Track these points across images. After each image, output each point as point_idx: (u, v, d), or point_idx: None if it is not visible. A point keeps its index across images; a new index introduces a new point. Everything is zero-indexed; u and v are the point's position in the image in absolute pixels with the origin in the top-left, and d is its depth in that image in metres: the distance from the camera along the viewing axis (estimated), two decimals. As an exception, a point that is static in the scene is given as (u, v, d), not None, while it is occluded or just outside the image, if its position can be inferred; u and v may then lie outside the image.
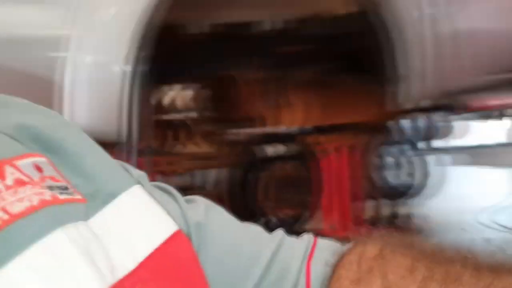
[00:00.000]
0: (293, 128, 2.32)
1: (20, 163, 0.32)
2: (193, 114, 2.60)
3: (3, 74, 1.29)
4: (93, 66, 1.36)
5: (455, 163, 3.59)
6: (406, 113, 2.23)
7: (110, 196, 0.35)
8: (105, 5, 1.42)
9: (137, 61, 1.39)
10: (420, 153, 3.63)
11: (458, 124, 3.55)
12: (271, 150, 1.97)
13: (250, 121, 2.41)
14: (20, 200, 0.30)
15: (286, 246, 0.41)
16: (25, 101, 0.40)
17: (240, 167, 2.20)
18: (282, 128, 2.28)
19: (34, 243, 0.29)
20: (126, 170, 0.40)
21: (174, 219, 0.37)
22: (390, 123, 2.43)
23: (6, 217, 0.28)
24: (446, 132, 3.70)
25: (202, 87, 2.37)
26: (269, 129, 2.23)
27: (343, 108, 2.18)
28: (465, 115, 2.85)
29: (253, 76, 2.07)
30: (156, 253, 0.34)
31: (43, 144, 0.36)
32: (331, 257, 0.39)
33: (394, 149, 4.06)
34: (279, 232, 0.43)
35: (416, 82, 1.84)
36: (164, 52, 1.57)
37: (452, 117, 2.49)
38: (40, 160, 0.33)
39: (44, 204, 0.30)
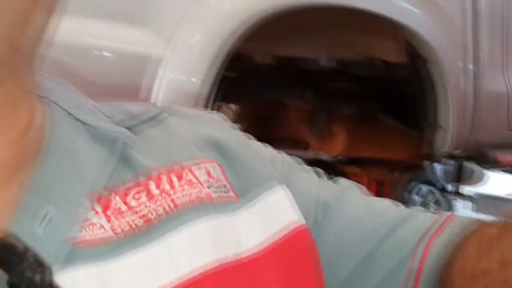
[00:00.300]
0: (333, 156, 2.51)
1: (195, 167, 0.40)
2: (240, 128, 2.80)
3: (99, 83, 1.53)
4: (175, 82, 1.59)
5: (480, 210, 3.68)
6: (439, 158, 2.39)
7: (251, 198, 0.40)
8: (192, 32, 1.64)
9: (211, 81, 1.61)
10: (448, 196, 3.74)
11: (488, 174, 3.64)
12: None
13: (293, 144, 2.60)
14: (184, 195, 0.38)
15: (411, 221, 0.42)
16: (202, 112, 0.49)
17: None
18: (322, 155, 2.47)
19: (180, 226, 0.36)
20: (274, 164, 0.44)
21: (306, 198, 0.42)
22: (423, 163, 2.59)
23: (172, 206, 0.37)
24: (475, 180, 3.81)
25: (253, 107, 2.58)
26: (310, 154, 2.41)
27: (380, 144, 2.36)
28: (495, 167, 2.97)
29: (302, 105, 2.26)
30: (275, 245, 0.39)
31: (219, 150, 0.42)
32: (456, 237, 0.39)
33: (423, 188, 4.18)
34: (408, 209, 0.44)
35: (452, 133, 1.99)
36: (231, 76, 1.80)
37: (483, 167, 2.62)
38: (211, 165, 0.41)
39: (198, 199, 0.38)
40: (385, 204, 0.44)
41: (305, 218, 0.41)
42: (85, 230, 0.34)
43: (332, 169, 2.22)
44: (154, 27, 1.58)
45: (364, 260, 0.40)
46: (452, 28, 1.93)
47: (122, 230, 0.35)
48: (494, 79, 2.02)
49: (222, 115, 0.48)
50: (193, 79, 1.57)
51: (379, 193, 2.93)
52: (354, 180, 1.71)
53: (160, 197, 0.37)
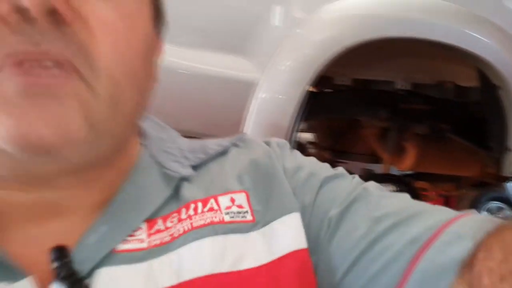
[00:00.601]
0: (403, 171, 2.66)
1: (221, 197, 0.47)
2: (314, 141, 3.00)
3: (206, 105, 1.82)
4: (267, 101, 1.85)
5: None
6: (507, 178, 2.47)
7: (266, 222, 0.46)
8: (284, 59, 1.89)
9: (297, 99, 1.85)
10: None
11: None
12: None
13: (366, 157, 2.78)
14: (201, 219, 0.45)
15: (420, 216, 0.44)
16: (259, 143, 0.54)
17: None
18: (393, 169, 2.63)
19: (191, 243, 0.43)
20: (307, 182, 0.49)
21: (321, 215, 0.47)
22: (495, 182, 2.67)
23: (190, 227, 0.44)
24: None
25: (331, 123, 2.77)
26: (382, 168, 2.58)
27: (448, 162, 2.47)
28: None
29: (377, 123, 2.43)
30: (271, 264, 0.43)
31: (253, 181, 0.49)
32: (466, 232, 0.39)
33: (492, 205, 4.20)
34: (418, 207, 0.46)
35: None
36: (314, 96, 2.02)
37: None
38: (238, 195, 0.48)
39: (211, 223, 0.45)
40: (389, 208, 0.46)
41: (312, 233, 0.46)
42: (129, 243, 0.43)
43: (402, 183, 2.38)
44: (253, 57, 1.84)
45: (354, 264, 0.44)
46: None
47: (155, 244, 0.43)
48: None
49: (281, 142, 0.55)
50: (280, 96, 1.82)
51: (451, 207, 3.01)
52: (423, 195, 1.93)
53: (185, 221, 0.45)
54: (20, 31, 0.35)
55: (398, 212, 0.44)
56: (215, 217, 0.45)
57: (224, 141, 0.53)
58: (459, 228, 0.40)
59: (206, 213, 0.46)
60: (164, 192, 0.46)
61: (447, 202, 3.91)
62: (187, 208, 0.46)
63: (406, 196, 0.49)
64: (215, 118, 1.86)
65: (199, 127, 1.91)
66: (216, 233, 0.44)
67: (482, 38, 1.96)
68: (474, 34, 1.96)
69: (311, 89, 1.90)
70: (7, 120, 0.35)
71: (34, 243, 0.41)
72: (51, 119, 0.35)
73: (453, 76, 2.34)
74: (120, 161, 0.46)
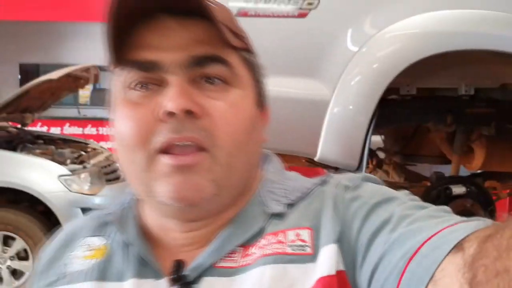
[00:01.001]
0: (472, 171, 2.78)
1: (290, 231, 0.58)
2: (383, 147, 3.16)
3: (283, 125, 2.05)
4: (343, 115, 2.06)
5: None
6: None
7: (314, 254, 0.56)
8: (353, 75, 2.09)
9: (367, 110, 2.05)
10: None
11: None
12: (454, 189, 2.41)
13: (436, 159, 2.91)
14: (270, 249, 0.57)
15: (420, 230, 0.49)
16: (336, 180, 0.63)
17: (425, 199, 2.68)
18: (464, 171, 2.75)
19: (259, 267, 0.56)
20: (369, 217, 0.56)
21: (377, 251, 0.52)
22: None
23: (260, 255, 0.57)
24: None
25: (400, 130, 2.92)
26: (452, 169, 2.71)
27: None
28: None
29: (444, 129, 2.57)
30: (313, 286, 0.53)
31: (322, 220, 0.58)
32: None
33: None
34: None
35: None
36: (383, 106, 2.21)
37: None
38: (304, 230, 0.58)
39: (275, 253, 0.56)
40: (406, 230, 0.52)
41: (352, 257, 0.55)
42: (226, 261, 0.58)
43: (472, 183, 2.50)
44: (325, 78, 2.07)
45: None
46: None
47: (241, 264, 0.57)
48: None
49: (354, 178, 0.63)
50: (351, 108, 2.03)
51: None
52: (494, 194, 2.10)
53: (260, 249, 0.58)
54: (169, 125, 0.56)
55: (409, 231, 0.51)
56: (280, 249, 0.57)
57: (316, 180, 0.64)
58: (438, 239, 0.47)
59: (275, 244, 0.57)
60: (258, 225, 0.60)
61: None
62: (266, 238, 0.58)
63: (434, 212, 0.54)
64: (291, 137, 2.09)
65: (278, 145, 2.15)
66: (277, 262, 0.55)
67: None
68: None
69: (379, 100, 2.08)
70: (166, 187, 0.56)
71: (170, 255, 0.61)
72: (190, 185, 0.56)
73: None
74: (238, 202, 0.62)
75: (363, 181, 0.62)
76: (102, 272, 0.61)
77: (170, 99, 0.55)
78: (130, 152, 0.58)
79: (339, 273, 0.53)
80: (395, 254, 0.49)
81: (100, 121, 7.56)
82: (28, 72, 9.44)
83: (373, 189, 0.60)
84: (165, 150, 0.56)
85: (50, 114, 5.95)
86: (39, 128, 5.82)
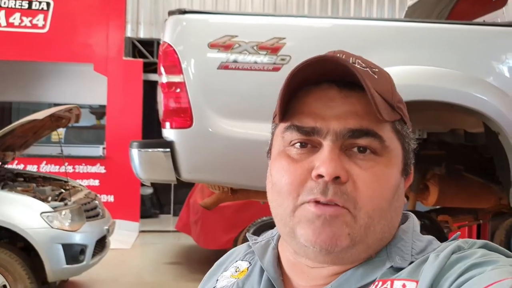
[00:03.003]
0: (427, 206, 3.06)
1: (397, 281, 0.61)
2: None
3: (259, 164, 2.30)
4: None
5: None
6: None
7: None
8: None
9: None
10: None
11: None
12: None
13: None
14: None
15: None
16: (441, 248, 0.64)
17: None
18: (420, 207, 3.03)
19: None
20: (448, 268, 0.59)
21: None
22: (507, 211, 3.03)
23: None
24: None
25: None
26: (409, 205, 3.00)
27: (466, 197, 2.86)
28: None
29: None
30: None
31: (428, 274, 0.59)
32: None
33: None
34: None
35: None
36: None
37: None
38: (410, 282, 0.60)
39: None
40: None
41: None
42: None
43: (426, 217, 2.77)
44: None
45: None
46: None
47: None
48: None
49: (472, 243, 0.63)
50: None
51: (480, 236, 3.31)
52: (445, 227, 2.39)
53: None
54: (318, 186, 0.62)
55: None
56: None
57: (433, 241, 0.68)
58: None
59: None
60: (376, 275, 0.64)
61: (480, 231, 4.26)
62: (375, 284, 0.62)
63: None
64: None
65: (257, 183, 2.38)
66: None
67: (483, 97, 2.39)
68: (477, 95, 2.40)
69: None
70: (307, 231, 0.63)
71: (296, 285, 0.70)
72: (330, 234, 0.62)
73: (462, 125, 2.78)
74: (368, 254, 0.66)
75: (481, 247, 0.63)
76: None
77: (323, 163, 0.62)
78: (281, 197, 0.66)
79: None
80: None
81: (77, 159, 7.70)
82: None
83: (482, 254, 0.60)
84: (311, 201, 0.63)
85: (27, 152, 6.07)
86: (15, 166, 5.92)
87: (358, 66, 0.66)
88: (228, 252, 0.85)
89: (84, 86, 8.85)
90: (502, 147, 2.46)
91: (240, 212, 5.28)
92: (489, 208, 2.96)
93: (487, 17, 2.99)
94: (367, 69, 0.66)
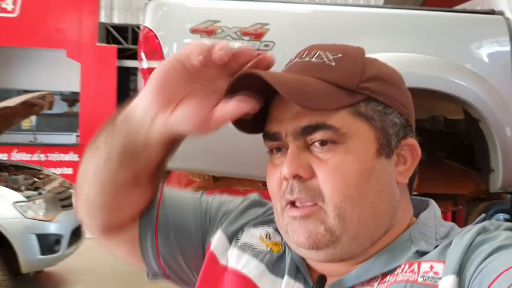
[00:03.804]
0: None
1: (424, 263, 0.61)
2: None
3: (239, 152, 2.27)
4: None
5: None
6: (497, 193, 2.89)
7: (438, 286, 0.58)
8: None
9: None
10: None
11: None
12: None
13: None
14: (402, 277, 0.61)
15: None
16: (467, 229, 0.64)
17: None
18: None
19: None
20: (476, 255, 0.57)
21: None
22: (485, 197, 3.08)
23: (393, 281, 0.61)
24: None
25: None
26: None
27: (445, 183, 2.89)
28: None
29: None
30: None
31: (454, 256, 0.59)
32: None
33: (500, 217, 4.69)
34: None
35: (501, 174, 2.42)
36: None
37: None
38: (438, 263, 0.60)
39: (407, 280, 0.60)
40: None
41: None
42: (365, 285, 0.64)
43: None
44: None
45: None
46: (496, 95, 2.44)
47: None
48: None
49: (498, 225, 0.63)
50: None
51: (455, 220, 3.39)
52: None
53: (395, 276, 0.62)
54: (288, 186, 0.64)
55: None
56: (412, 277, 0.60)
57: (454, 227, 0.68)
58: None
59: (407, 273, 0.61)
60: (402, 260, 0.64)
61: (455, 217, 4.35)
62: (401, 267, 0.62)
63: None
64: (248, 163, 2.29)
65: (237, 170, 2.35)
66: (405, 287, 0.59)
67: (464, 84, 2.41)
68: (458, 81, 2.41)
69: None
70: (294, 234, 0.65)
71: (316, 268, 0.70)
72: (306, 234, 0.63)
73: (443, 111, 2.80)
74: (380, 242, 0.66)
75: (506, 229, 0.62)
76: (273, 265, 0.72)
77: (284, 165, 0.64)
78: (273, 200, 0.69)
79: None
80: (483, 282, 0.54)
81: (50, 147, 7.53)
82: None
83: (507, 236, 0.60)
84: (291, 203, 0.65)
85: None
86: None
87: (314, 60, 0.66)
88: (261, 202, 0.83)
89: (55, 72, 8.63)
90: (483, 134, 2.48)
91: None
92: (468, 194, 2.99)
93: (467, 5, 3.00)
94: (324, 59, 0.66)
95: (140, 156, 0.68)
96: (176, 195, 0.83)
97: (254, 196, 0.85)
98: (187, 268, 0.80)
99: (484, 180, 2.64)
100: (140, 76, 2.34)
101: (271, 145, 0.69)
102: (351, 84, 0.65)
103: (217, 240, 0.77)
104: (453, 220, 4.30)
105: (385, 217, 0.66)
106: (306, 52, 0.68)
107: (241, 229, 0.79)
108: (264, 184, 2.78)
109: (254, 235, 0.77)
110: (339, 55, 0.67)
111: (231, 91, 0.64)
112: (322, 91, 0.63)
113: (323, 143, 0.64)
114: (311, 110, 0.63)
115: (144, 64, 2.27)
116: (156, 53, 2.22)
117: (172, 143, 0.69)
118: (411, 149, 0.70)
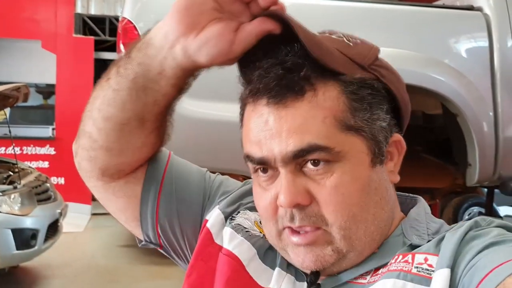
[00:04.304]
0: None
1: (418, 255, 0.61)
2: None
3: (221, 145, 2.25)
4: None
5: None
6: (473, 187, 2.94)
7: (432, 279, 0.58)
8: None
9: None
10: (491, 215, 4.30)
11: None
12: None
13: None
14: (396, 266, 0.61)
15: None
16: (457, 226, 0.64)
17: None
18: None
19: (383, 279, 0.60)
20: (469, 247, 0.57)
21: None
22: (461, 191, 3.14)
23: (385, 271, 0.61)
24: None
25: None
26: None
27: (423, 177, 2.94)
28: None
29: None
30: None
31: (447, 249, 0.59)
32: None
33: (474, 210, 4.78)
34: None
35: (478, 168, 2.49)
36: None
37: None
38: (431, 256, 0.60)
39: (399, 270, 0.60)
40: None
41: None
42: (358, 279, 0.64)
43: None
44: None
45: None
46: (474, 90, 2.50)
47: (370, 281, 0.63)
48: (509, 126, 2.54)
49: (488, 221, 0.63)
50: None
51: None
52: None
53: (387, 266, 0.62)
54: (286, 214, 0.62)
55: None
56: (406, 267, 0.60)
57: (442, 224, 0.69)
58: (504, 268, 0.52)
59: (402, 263, 0.61)
60: (395, 254, 0.64)
61: (431, 209, 4.43)
62: (395, 258, 0.62)
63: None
64: (230, 156, 2.28)
65: (217, 164, 2.33)
66: (399, 278, 0.59)
67: (442, 79, 2.45)
68: (436, 76, 2.45)
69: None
70: (297, 258, 0.64)
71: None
72: (313, 258, 0.63)
73: (421, 106, 2.83)
74: (374, 244, 0.65)
75: (498, 226, 0.62)
76: (264, 252, 0.71)
77: (282, 193, 0.61)
78: (263, 219, 0.67)
79: None
80: (474, 279, 0.54)
81: (25, 140, 7.39)
82: None
83: (499, 232, 0.60)
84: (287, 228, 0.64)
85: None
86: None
87: (333, 36, 0.66)
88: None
89: (30, 64, 8.45)
90: (460, 129, 2.53)
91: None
92: (445, 188, 3.04)
93: (446, 0, 3.03)
94: (343, 38, 0.66)
95: (151, 90, 0.65)
96: (183, 163, 0.82)
97: None
98: (181, 238, 0.79)
99: (461, 174, 2.70)
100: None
101: (256, 168, 0.65)
102: (365, 62, 0.64)
103: (214, 218, 0.76)
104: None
105: (387, 222, 0.66)
106: (328, 32, 0.68)
107: (237, 208, 0.78)
108: (246, 178, 2.79)
109: (249, 218, 0.75)
110: (358, 41, 0.67)
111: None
112: (339, 57, 0.62)
113: (315, 163, 0.61)
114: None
115: (123, 56, 2.22)
116: (135, 45, 2.18)
117: (187, 77, 0.66)
118: (397, 144, 0.70)
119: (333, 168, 0.61)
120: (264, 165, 0.63)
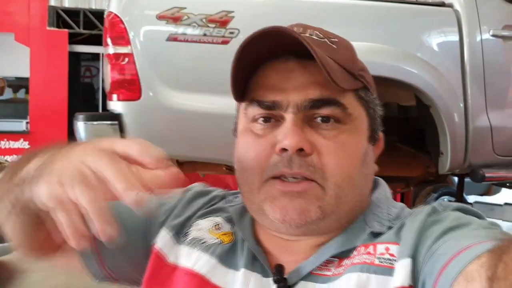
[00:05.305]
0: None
1: (380, 245, 0.61)
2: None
3: (206, 136, 2.32)
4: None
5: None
6: (444, 175, 3.05)
7: (394, 268, 0.58)
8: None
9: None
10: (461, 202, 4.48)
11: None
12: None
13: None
14: (359, 259, 0.61)
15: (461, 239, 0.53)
16: (417, 210, 0.65)
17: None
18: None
19: (347, 273, 0.60)
20: (430, 232, 0.57)
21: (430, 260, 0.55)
22: (434, 179, 3.24)
23: (350, 264, 0.61)
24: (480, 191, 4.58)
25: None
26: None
27: (398, 166, 3.00)
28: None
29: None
30: None
31: (406, 237, 0.60)
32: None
33: (445, 198, 4.96)
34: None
35: (449, 157, 2.59)
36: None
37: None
38: (393, 245, 0.60)
39: (363, 263, 0.59)
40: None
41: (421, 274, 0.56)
42: (322, 270, 0.63)
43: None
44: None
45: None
46: (445, 82, 2.60)
47: (334, 273, 0.61)
48: (479, 117, 2.67)
49: (446, 205, 0.64)
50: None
51: (403, 201, 3.60)
52: None
53: (351, 258, 0.62)
54: (282, 159, 0.60)
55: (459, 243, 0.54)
56: (368, 259, 0.60)
57: (403, 208, 0.69)
58: (465, 255, 0.50)
59: (364, 255, 0.61)
60: (357, 242, 0.63)
61: (404, 198, 4.56)
62: (357, 250, 0.62)
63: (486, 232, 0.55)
64: (214, 147, 2.32)
65: (201, 154, 2.39)
66: (363, 271, 0.59)
67: (415, 71, 2.54)
68: (410, 69, 2.54)
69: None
70: (273, 208, 0.61)
71: (272, 258, 0.67)
72: (299, 209, 0.60)
73: (396, 98, 2.93)
74: (344, 223, 0.66)
75: (455, 209, 0.63)
76: (226, 257, 0.68)
77: (285, 137, 0.60)
78: (246, 174, 0.65)
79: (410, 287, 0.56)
80: (435, 267, 0.54)
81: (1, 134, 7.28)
82: None
83: (456, 216, 0.60)
84: (277, 176, 0.62)
85: None
86: None
87: (315, 38, 0.65)
88: (205, 191, 0.80)
89: (3, 57, 8.31)
90: (433, 119, 2.62)
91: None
92: (418, 177, 3.16)
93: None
94: (325, 39, 0.65)
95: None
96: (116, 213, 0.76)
97: (197, 186, 0.82)
98: (137, 272, 0.75)
99: (434, 163, 2.80)
100: (106, 61, 2.34)
101: (261, 114, 0.65)
102: (353, 69, 0.66)
103: (162, 238, 0.73)
104: (402, 201, 4.50)
105: (365, 200, 0.67)
106: (302, 28, 0.66)
107: (187, 221, 0.75)
108: (228, 168, 2.85)
109: (202, 228, 0.73)
110: (336, 39, 0.67)
111: (242, 49, 0.62)
112: (337, 69, 0.62)
113: (325, 120, 0.62)
114: (320, 85, 0.61)
115: (110, 49, 2.27)
116: (122, 38, 2.23)
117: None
118: (379, 142, 0.73)
119: (341, 128, 0.63)
120: (271, 110, 0.63)
